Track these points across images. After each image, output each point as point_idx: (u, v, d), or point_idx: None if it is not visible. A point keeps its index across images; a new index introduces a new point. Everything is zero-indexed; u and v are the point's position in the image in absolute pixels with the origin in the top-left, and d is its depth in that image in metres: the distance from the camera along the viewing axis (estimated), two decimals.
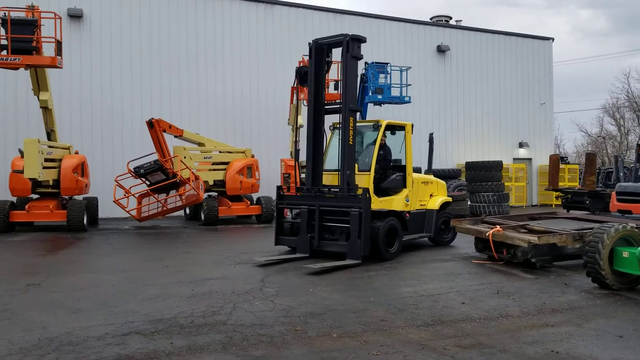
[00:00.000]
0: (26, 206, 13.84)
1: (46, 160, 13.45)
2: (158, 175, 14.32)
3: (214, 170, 16.32)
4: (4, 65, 12.95)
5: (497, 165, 18.62)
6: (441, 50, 23.60)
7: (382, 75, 18.57)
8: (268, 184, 17.87)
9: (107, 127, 18.15)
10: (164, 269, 8.79)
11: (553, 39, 26.81)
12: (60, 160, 14.18)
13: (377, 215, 9.53)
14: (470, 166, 19.11)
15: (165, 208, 15.00)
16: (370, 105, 19.07)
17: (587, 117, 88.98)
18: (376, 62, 18.88)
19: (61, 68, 13.80)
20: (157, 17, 18.84)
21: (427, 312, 6.16)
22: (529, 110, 25.98)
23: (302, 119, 18.56)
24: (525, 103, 25.89)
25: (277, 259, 9.41)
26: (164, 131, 14.84)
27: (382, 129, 10.21)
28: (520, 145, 25.49)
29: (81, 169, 14.56)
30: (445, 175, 20.88)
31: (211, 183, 16.12)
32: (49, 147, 13.95)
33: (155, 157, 14.52)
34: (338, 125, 10.14)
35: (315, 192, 9.84)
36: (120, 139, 18.23)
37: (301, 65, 15.11)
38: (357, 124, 10.10)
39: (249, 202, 16.80)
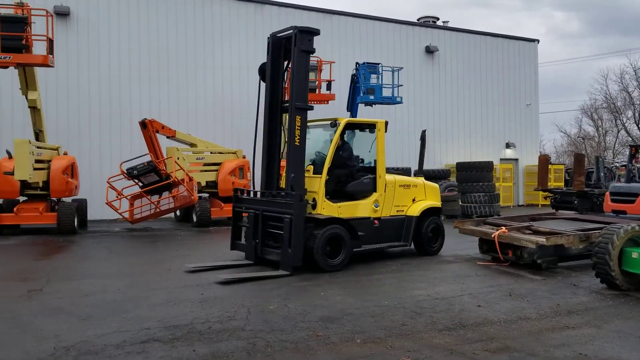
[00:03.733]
0: (14, 208, 13.45)
1: (36, 161, 13.12)
2: (151, 177, 14.08)
3: (206, 171, 16.11)
4: None
5: (488, 166, 18.70)
6: (430, 51, 23.66)
7: (373, 76, 18.55)
8: (259, 185, 17.66)
9: (95, 127, 17.77)
10: (168, 272, 8.61)
11: (538, 41, 27.10)
12: (49, 161, 13.84)
13: (323, 223, 8.69)
14: (461, 167, 19.18)
15: (158, 210, 14.74)
16: (361, 106, 19.06)
17: (565, 117, 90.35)
18: (367, 63, 18.86)
19: (53, 67, 13.48)
20: (145, 15, 18.52)
21: (445, 316, 6.11)
22: (515, 111, 26.22)
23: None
24: (512, 104, 26.12)
25: (209, 266, 8.86)
26: (157, 132, 14.64)
27: (340, 128, 9.18)
28: (507, 145, 25.70)
29: (71, 170, 14.22)
30: (435, 175, 20.88)
31: (203, 184, 15.90)
32: (38, 147, 13.60)
33: (149, 158, 14.28)
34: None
35: (267, 195, 9.16)
36: (108, 139, 17.88)
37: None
38: (318, 123, 9.66)
39: None
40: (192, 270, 8.63)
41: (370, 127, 10.03)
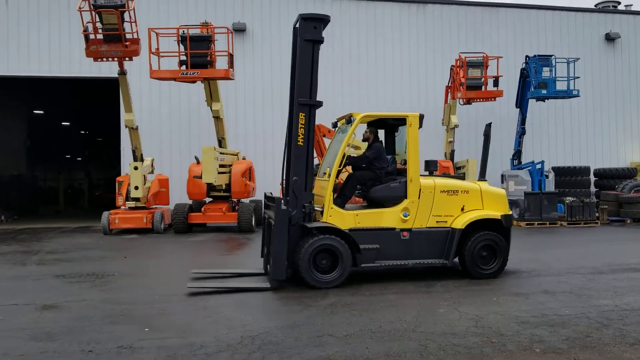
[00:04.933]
0: (202, 209, 14.96)
1: (220, 166, 14.43)
2: None
3: None
4: (185, 79, 14.15)
5: None
6: (610, 38, 21.56)
7: (545, 69, 17.46)
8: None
9: (268, 132, 19.02)
10: None
11: None
12: (230, 165, 15.16)
13: (315, 232, 7.70)
14: None
15: None
16: (531, 101, 18.06)
17: None
18: (539, 55, 17.80)
19: (233, 80, 14.72)
20: None
21: (637, 329, 5.56)
22: None
23: (457, 119, 18.19)
24: None
25: (212, 273, 8.61)
26: (324, 136, 15.23)
27: (354, 125, 8.22)
28: None
29: (249, 173, 15.44)
30: (617, 175, 19.15)
31: None
32: (221, 153, 14.95)
33: (317, 161, 14.93)
34: (345, 123, 8.72)
35: (272, 201, 8.41)
36: (280, 143, 18.97)
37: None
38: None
39: None
40: (196, 277, 8.39)
41: (399, 122, 8.88)
